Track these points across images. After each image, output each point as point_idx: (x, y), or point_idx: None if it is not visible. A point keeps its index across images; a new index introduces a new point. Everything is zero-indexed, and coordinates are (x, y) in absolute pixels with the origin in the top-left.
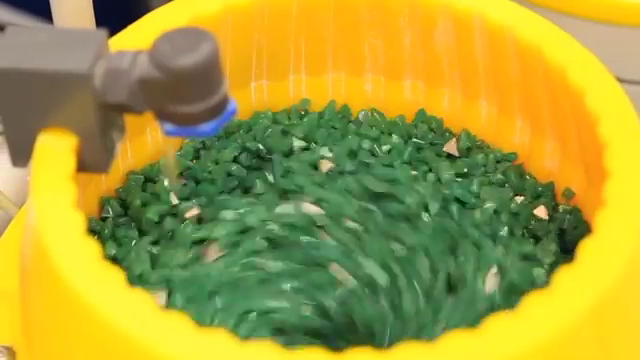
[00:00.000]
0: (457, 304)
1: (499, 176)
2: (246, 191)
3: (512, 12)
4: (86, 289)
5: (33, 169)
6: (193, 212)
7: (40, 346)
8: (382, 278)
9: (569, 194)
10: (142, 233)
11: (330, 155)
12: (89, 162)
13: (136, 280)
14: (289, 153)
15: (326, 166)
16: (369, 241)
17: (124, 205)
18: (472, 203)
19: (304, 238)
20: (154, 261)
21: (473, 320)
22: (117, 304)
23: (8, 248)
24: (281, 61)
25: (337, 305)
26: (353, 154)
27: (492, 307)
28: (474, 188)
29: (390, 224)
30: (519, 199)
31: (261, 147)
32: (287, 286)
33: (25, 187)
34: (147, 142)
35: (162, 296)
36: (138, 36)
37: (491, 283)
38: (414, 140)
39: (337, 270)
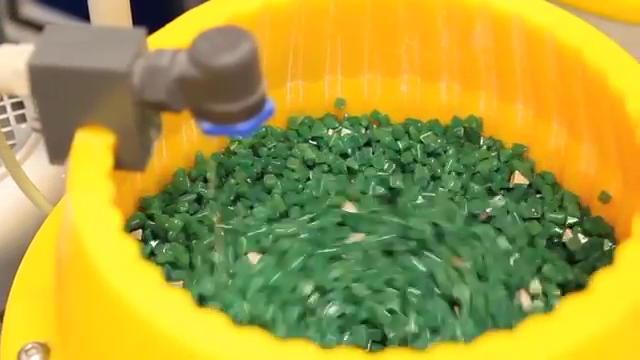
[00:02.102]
0: None
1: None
2: None
3: (551, 14)
4: (124, 287)
5: (71, 166)
6: None
7: (75, 343)
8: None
9: (605, 198)
10: None
11: None
12: (126, 160)
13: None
14: None
15: None
16: None
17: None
18: None
19: None
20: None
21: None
22: (154, 302)
23: (42, 245)
24: (317, 61)
25: None
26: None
27: None
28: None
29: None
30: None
31: None
32: None
33: (59, 185)
34: (183, 141)
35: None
36: (176, 35)
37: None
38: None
39: None
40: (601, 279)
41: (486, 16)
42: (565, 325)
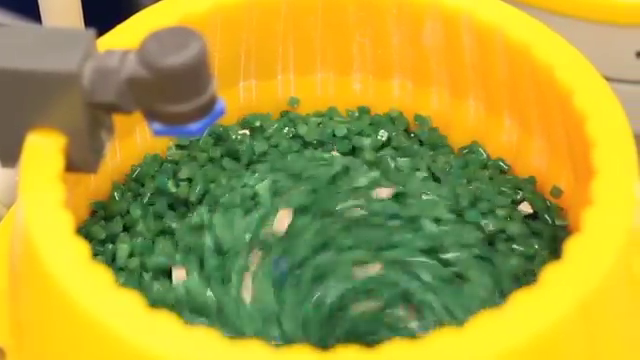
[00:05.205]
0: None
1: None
2: None
3: (500, 11)
4: (75, 289)
5: (22, 169)
6: None
7: (30, 346)
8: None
9: (556, 192)
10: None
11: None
12: (78, 162)
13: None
14: None
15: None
16: None
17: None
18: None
19: None
20: None
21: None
22: (105, 303)
23: None
24: (270, 61)
25: None
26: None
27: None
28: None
29: None
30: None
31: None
32: None
33: (14, 187)
34: (136, 142)
35: None
36: (127, 36)
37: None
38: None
39: None
40: (550, 274)
41: (436, 14)
42: (514, 320)
